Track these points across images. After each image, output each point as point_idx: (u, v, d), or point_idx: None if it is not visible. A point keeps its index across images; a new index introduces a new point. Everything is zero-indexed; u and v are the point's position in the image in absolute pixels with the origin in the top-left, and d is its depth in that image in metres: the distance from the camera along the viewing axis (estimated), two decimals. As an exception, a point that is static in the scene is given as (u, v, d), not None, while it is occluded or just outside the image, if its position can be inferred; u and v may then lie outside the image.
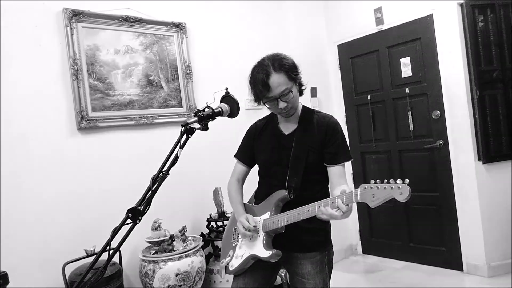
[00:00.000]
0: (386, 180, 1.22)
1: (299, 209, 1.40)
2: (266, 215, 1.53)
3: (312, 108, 1.67)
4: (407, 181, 1.18)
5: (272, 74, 1.45)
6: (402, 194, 1.17)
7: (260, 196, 1.66)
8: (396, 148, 3.39)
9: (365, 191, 1.24)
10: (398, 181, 1.19)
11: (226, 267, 1.61)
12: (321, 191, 1.57)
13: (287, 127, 1.62)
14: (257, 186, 1.74)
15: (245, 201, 1.74)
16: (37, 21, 2.16)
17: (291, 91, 1.48)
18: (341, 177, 1.53)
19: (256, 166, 1.74)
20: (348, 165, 3.68)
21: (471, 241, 2.99)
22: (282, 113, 1.54)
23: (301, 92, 1.59)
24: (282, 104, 1.48)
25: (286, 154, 1.55)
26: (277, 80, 1.45)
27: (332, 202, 1.30)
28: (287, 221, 1.44)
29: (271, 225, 1.49)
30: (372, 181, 1.24)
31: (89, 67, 2.31)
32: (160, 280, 2.17)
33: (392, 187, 1.19)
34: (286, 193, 1.51)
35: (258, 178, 1.73)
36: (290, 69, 1.48)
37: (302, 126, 1.58)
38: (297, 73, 1.53)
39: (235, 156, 1.77)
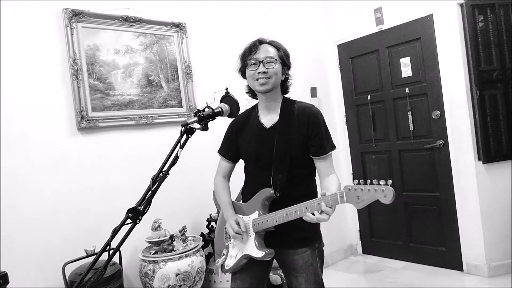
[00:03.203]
0: (369, 181, 1.20)
1: (287, 210, 1.42)
2: (255, 215, 1.54)
3: (293, 99, 1.66)
4: (390, 182, 1.16)
5: (266, 43, 1.57)
6: (386, 197, 1.15)
7: (246, 193, 1.66)
8: (396, 148, 3.39)
9: (350, 192, 1.23)
10: (382, 182, 1.16)
11: (222, 266, 1.63)
12: (308, 187, 1.59)
13: (268, 120, 1.60)
14: (243, 183, 1.73)
15: (234, 197, 1.74)
16: (37, 21, 2.15)
17: (276, 63, 1.53)
18: (328, 167, 1.55)
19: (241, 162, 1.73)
20: (348, 165, 3.72)
21: (471, 241, 2.99)
22: (260, 79, 1.52)
23: (285, 87, 1.63)
24: (262, 68, 1.51)
25: (269, 149, 1.54)
26: (267, 48, 1.55)
27: (318, 204, 1.31)
28: (276, 221, 1.45)
29: (260, 225, 1.50)
30: (356, 181, 1.23)
31: (89, 67, 2.31)
32: (160, 280, 2.17)
33: (375, 189, 1.17)
34: (271, 192, 1.51)
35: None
36: (282, 50, 1.57)
37: (283, 118, 1.57)
38: (288, 59, 1.59)
39: (218, 152, 1.75)
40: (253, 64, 1.53)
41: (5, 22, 2.05)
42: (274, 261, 1.66)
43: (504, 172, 2.94)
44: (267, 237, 1.54)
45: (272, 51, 1.54)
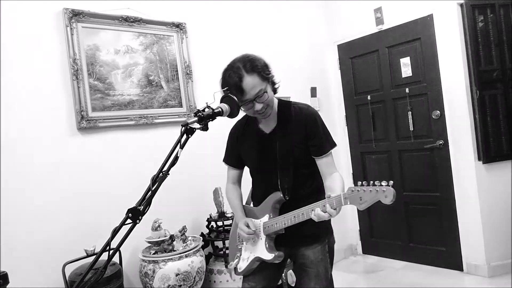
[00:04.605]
0: (372, 182, 1.22)
1: (294, 212, 1.45)
2: (266, 218, 1.58)
3: (288, 100, 1.64)
4: (391, 182, 1.18)
5: (245, 76, 1.42)
6: (387, 197, 1.18)
7: (256, 197, 1.70)
8: (396, 148, 3.39)
9: (353, 194, 1.26)
10: (383, 183, 1.19)
11: (235, 269, 1.68)
12: (313, 185, 1.60)
13: (267, 125, 1.62)
14: (251, 186, 1.75)
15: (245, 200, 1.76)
16: (37, 21, 2.15)
17: (266, 92, 1.46)
18: (330, 166, 1.56)
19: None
20: (348, 165, 3.72)
21: (471, 241, 2.99)
22: (260, 115, 1.52)
23: (274, 91, 1.58)
24: (258, 106, 1.46)
25: (272, 154, 1.56)
26: (251, 82, 1.42)
27: (323, 206, 1.34)
28: (285, 224, 1.49)
29: (271, 228, 1.55)
30: (359, 183, 1.25)
31: (89, 67, 2.31)
32: (160, 280, 2.17)
33: (377, 190, 1.19)
34: (281, 195, 1.54)
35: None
36: (262, 69, 1.46)
37: (281, 123, 1.58)
38: (269, 72, 1.51)
39: (224, 161, 1.78)
40: (245, 105, 1.47)
41: (5, 22, 2.05)
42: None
43: (504, 172, 2.94)
44: (278, 236, 1.58)
45: (257, 82, 1.43)
